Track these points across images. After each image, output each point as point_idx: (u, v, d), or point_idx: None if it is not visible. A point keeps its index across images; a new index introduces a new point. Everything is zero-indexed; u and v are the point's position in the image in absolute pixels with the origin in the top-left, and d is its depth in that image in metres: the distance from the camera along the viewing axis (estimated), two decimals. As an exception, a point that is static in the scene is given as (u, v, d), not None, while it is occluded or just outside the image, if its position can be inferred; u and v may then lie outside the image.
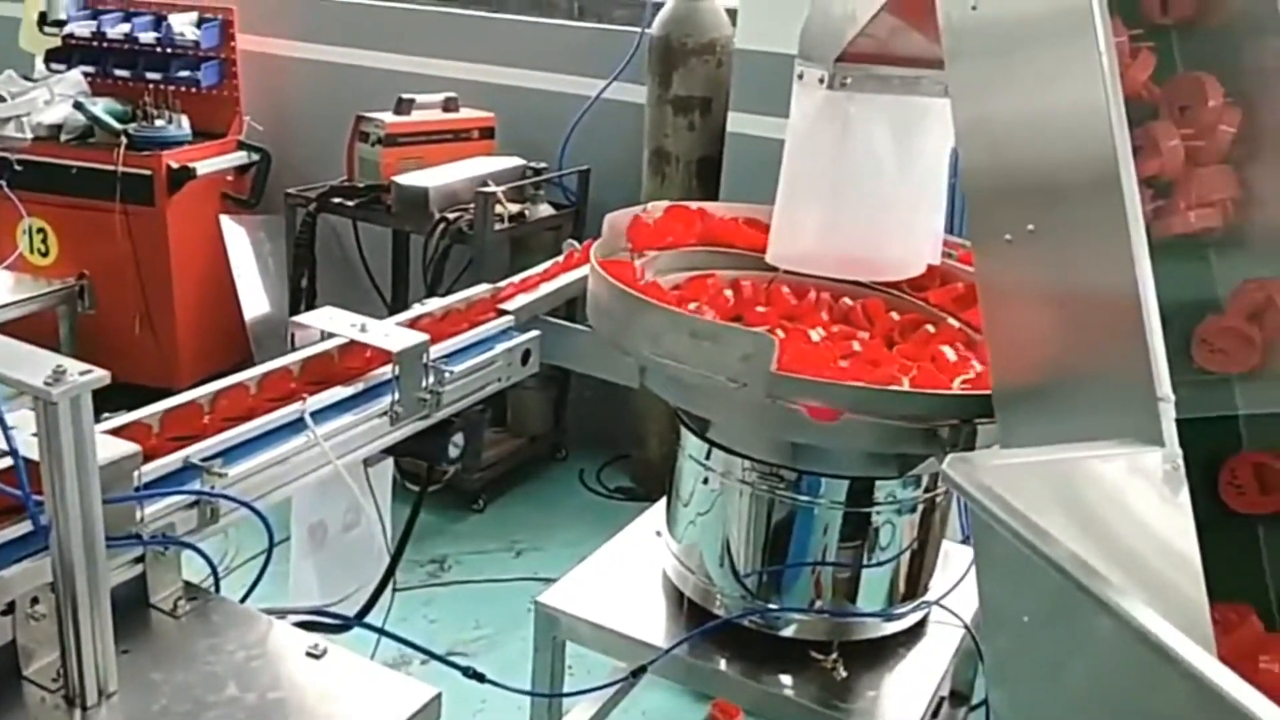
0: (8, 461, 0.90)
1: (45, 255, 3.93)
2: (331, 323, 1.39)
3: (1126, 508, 0.94)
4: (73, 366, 0.83)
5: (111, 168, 3.69)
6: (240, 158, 4.01)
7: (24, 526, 0.91)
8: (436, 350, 1.42)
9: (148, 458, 1.04)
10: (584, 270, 1.74)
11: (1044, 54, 1.15)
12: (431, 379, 1.39)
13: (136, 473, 1.00)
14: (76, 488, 0.85)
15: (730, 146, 3.19)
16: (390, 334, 1.37)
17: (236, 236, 4.00)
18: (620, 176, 3.45)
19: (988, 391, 1.23)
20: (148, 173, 3.71)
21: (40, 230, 3.91)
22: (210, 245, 3.94)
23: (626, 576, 1.86)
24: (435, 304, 1.60)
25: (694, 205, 1.97)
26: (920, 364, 1.56)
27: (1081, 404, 1.08)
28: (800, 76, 1.69)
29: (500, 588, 3.01)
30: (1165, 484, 0.94)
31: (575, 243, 1.94)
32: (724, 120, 3.19)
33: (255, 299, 3.97)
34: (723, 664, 1.67)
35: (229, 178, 4.02)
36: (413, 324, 1.49)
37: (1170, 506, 0.93)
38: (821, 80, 1.64)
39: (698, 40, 3.21)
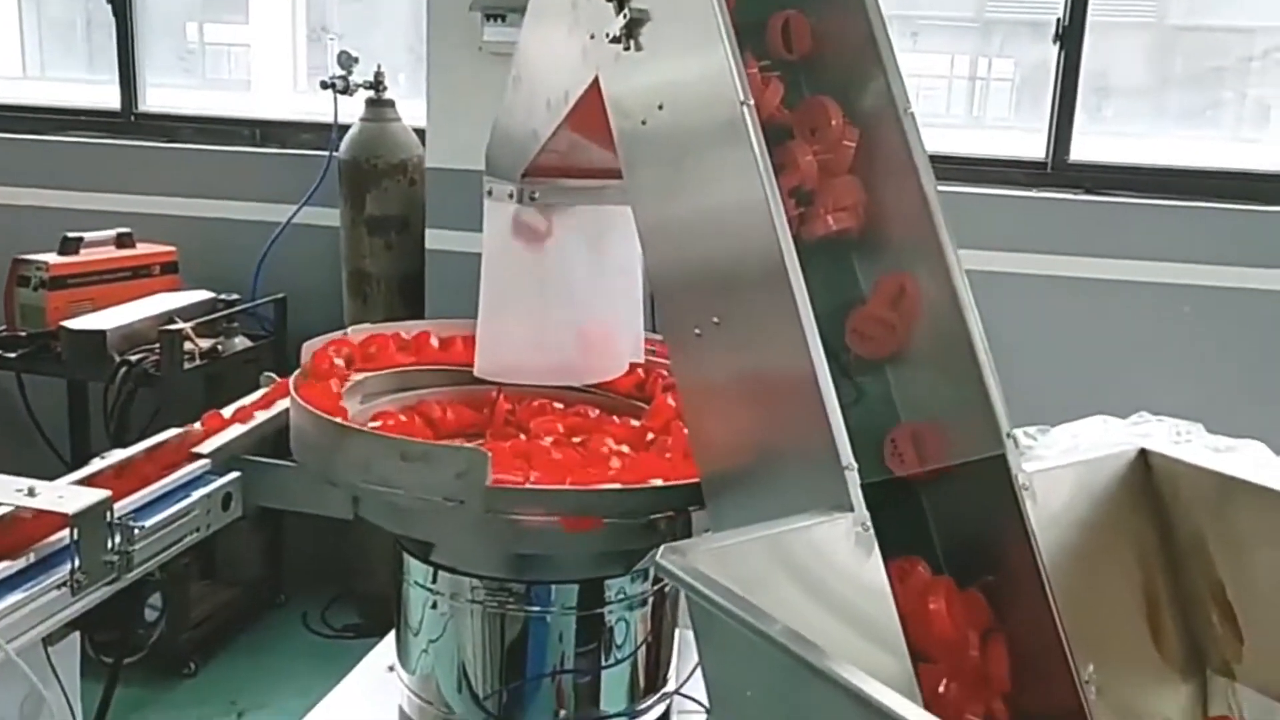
0: None
1: None
2: (-8, 490, 1.24)
3: (826, 572, 1.01)
4: None
5: None
6: None
7: None
8: (122, 506, 1.31)
9: None
10: (284, 405, 1.67)
11: (707, 159, 1.25)
12: (118, 539, 1.26)
13: None
14: None
15: (431, 264, 3.20)
16: (64, 495, 1.24)
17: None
18: (320, 302, 3.36)
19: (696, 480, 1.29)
20: None
21: None
22: None
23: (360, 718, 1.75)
24: (118, 455, 1.47)
25: (395, 327, 1.95)
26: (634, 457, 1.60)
27: (780, 481, 1.15)
28: (489, 193, 1.74)
29: (222, 756, 2.76)
30: (858, 545, 1.02)
31: (274, 375, 1.86)
32: (422, 238, 3.20)
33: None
34: (471, 793, 1.61)
35: None
36: (91, 481, 1.36)
37: (863, 565, 1.01)
38: (510, 195, 1.69)
39: (388, 161, 3.22)
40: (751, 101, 1.19)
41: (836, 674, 0.75)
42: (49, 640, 1.26)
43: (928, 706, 1.06)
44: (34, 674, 1.17)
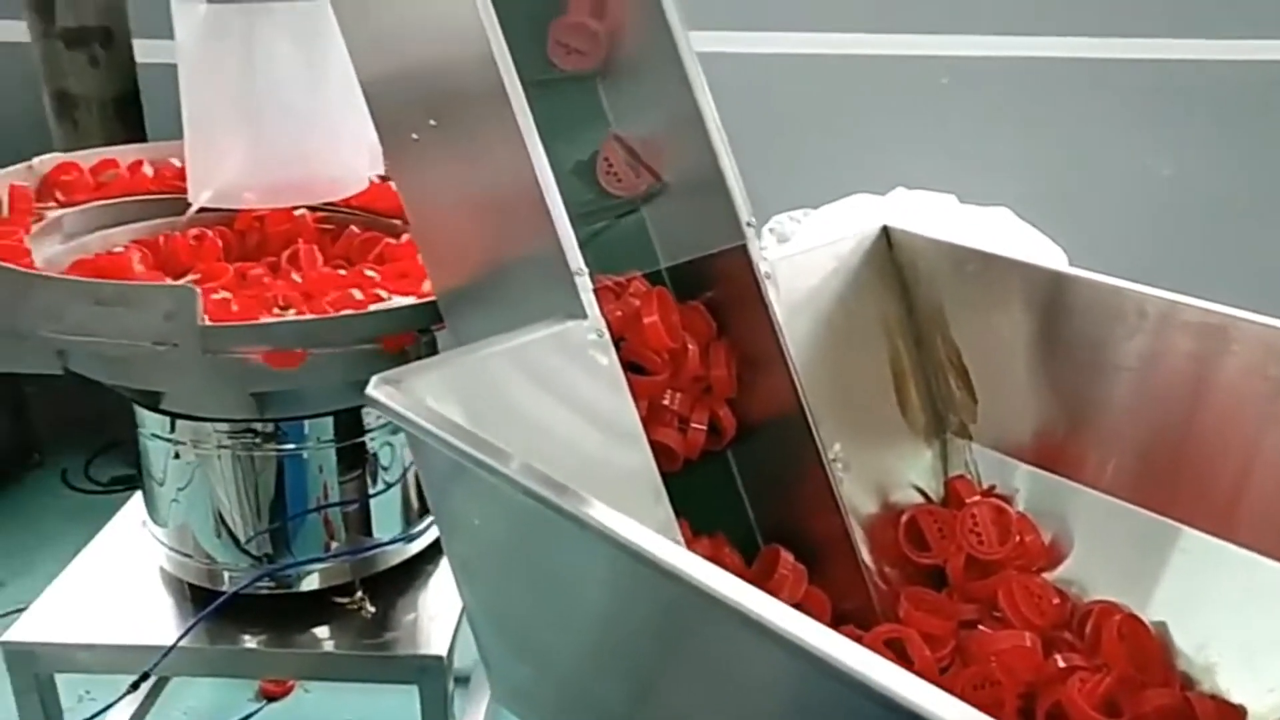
0: None
1: None
2: None
3: (563, 380, 0.97)
4: None
5: None
6: None
7: None
8: None
9: None
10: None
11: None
12: None
13: None
14: None
15: (145, 80, 2.85)
16: None
17: None
18: (25, 130, 2.95)
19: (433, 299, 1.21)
20: None
21: None
22: None
23: (116, 580, 1.65)
24: None
25: (95, 154, 1.73)
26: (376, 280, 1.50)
27: (514, 292, 1.09)
28: (176, -9, 1.52)
29: (-15, 631, 2.58)
30: (593, 350, 0.97)
31: (-47, 220, 1.61)
32: (130, 51, 2.83)
33: None
34: (249, 641, 1.55)
35: None
36: None
37: (600, 369, 0.97)
38: (200, -7, 1.48)
39: (75, -41, 2.79)
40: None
41: (581, 513, 0.71)
42: None
43: (649, 421, 1.06)
44: None
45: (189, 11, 1.50)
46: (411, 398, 0.83)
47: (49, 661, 1.52)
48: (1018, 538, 1.36)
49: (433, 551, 1.73)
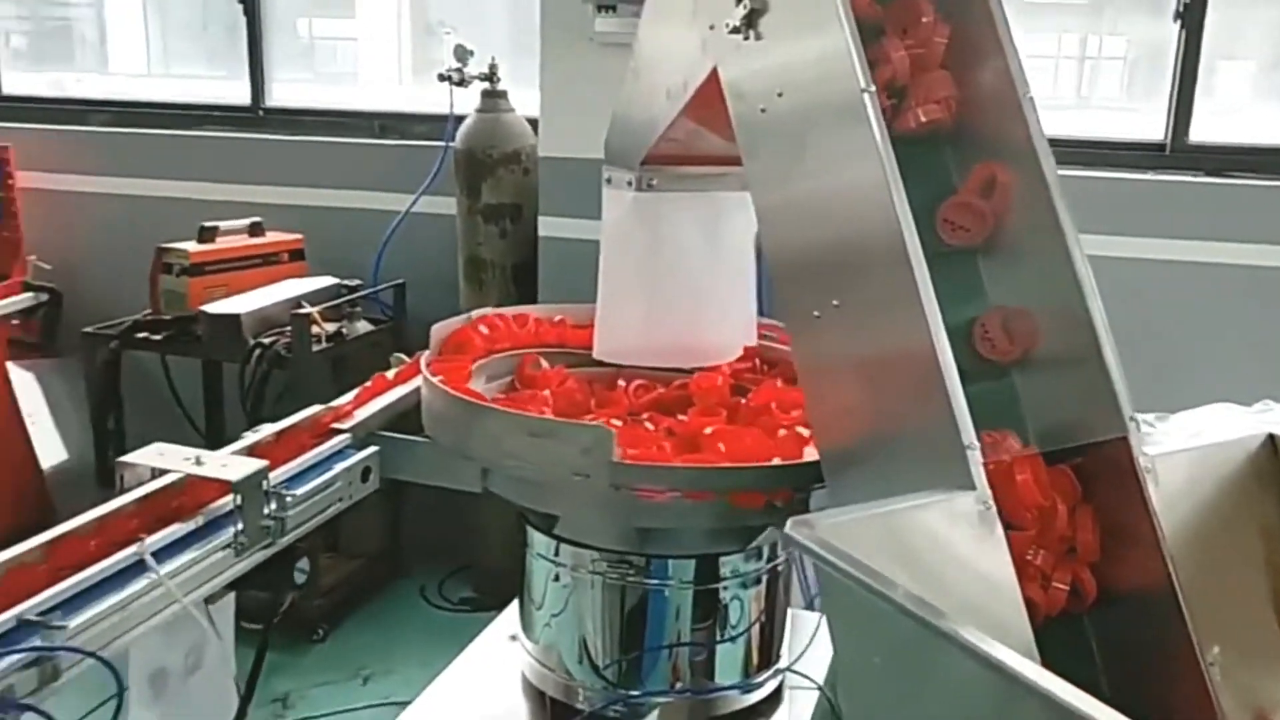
0: None
1: None
2: (163, 459, 1.35)
3: (948, 549, 1.04)
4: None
5: (-120, 321, 3.44)
6: (27, 300, 3.81)
7: None
8: (276, 475, 1.40)
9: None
10: (414, 383, 1.76)
11: (827, 145, 1.29)
12: (274, 505, 1.36)
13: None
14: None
15: (544, 250, 3.28)
16: (227, 464, 1.35)
17: (30, 382, 3.77)
18: (437, 287, 3.48)
19: (816, 459, 1.32)
20: (-74, 324, 3.48)
21: None
22: (-1, 394, 3.71)
23: (484, 685, 1.84)
24: (268, 429, 1.58)
25: (514, 310, 2.03)
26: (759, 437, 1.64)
27: (899, 460, 1.18)
28: (609, 180, 1.80)
29: (351, 718, 2.89)
30: (981, 523, 1.04)
31: (404, 356, 1.95)
32: (535, 225, 3.29)
33: (52, 447, 3.74)
34: (593, 760, 1.67)
35: (15, 322, 3.80)
36: (249, 452, 1.46)
37: (987, 543, 1.03)
38: (629, 183, 1.75)
39: (502, 150, 3.31)
40: (873, 88, 1.22)
41: (960, 635, 0.78)
42: (210, 600, 1.37)
43: (1016, 572, 1.09)
44: (209, 626, 1.26)
45: (619, 198, 1.77)
46: (821, 540, 0.94)
47: (428, 752, 1.71)
48: None
49: (767, 705, 1.79)
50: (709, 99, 1.48)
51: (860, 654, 0.97)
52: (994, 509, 1.05)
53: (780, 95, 1.34)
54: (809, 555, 0.93)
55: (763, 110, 1.37)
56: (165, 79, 4.67)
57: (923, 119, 1.35)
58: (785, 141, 1.34)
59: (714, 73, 1.45)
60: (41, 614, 1.04)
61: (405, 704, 1.78)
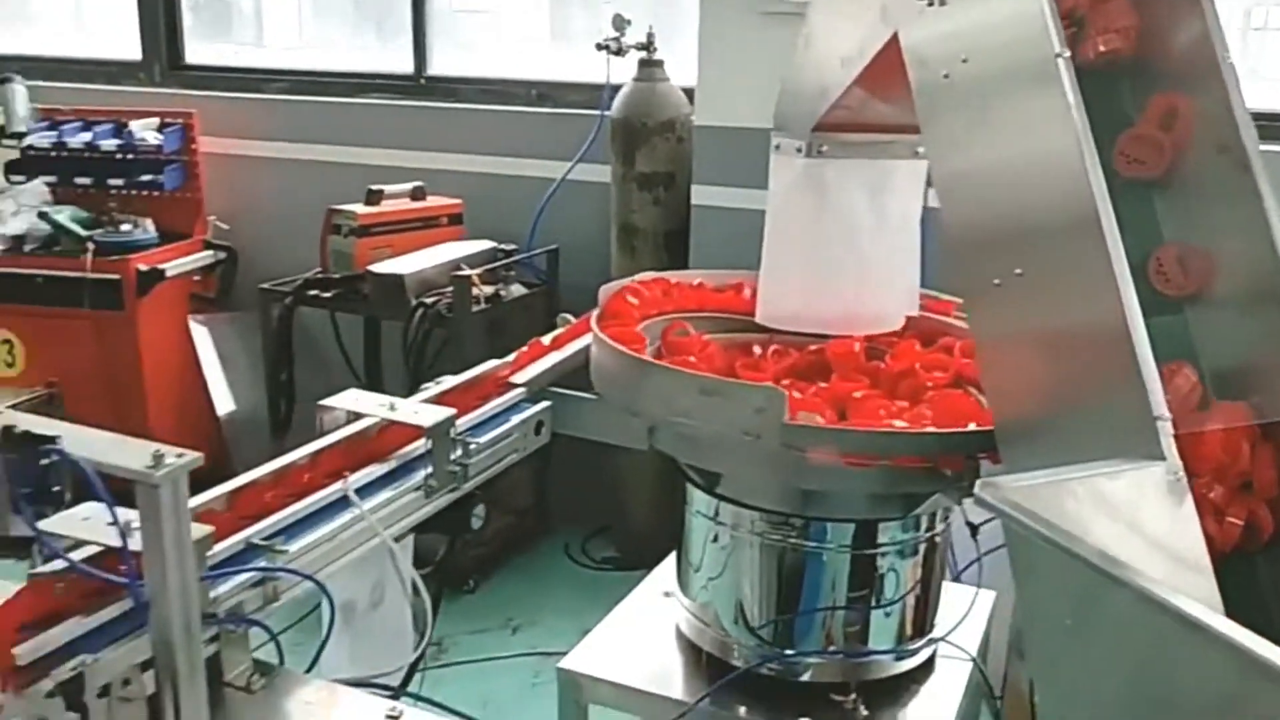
0: (93, 549, 0.94)
1: (11, 366, 3.92)
2: (359, 403, 1.45)
3: (1136, 518, 1.03)
4: (168, 451, 0.89)
5: (78, 275, 3.71)
6: (207, 257, 4.06)
7: (117, 608, 0.94)
8: (460, 424, 1.48)
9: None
10: (582, 341, 1.82)
11: (1015, 107, 1.27)
12: (459, 452, 1.44)
13: (207, 555, 1.04)
14: (177, 566, 0.89)
15: (696, 218, 3.31)
16: (419, 411, 1.43)
17: (205, 336, 4.03)
18: (589, 253, 3.55)
19: (989, 428, 1.32)
20: (116, 277, 3.74)
21: (5, 341, 3.90)
22: (180, 347, 3.97)
23: (641, 636, 1.89)
24: (449, 380, 1.66)
25: (675, 275, 2.07)
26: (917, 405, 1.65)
27: (1081, 430, 1.16)
28: (778, 147, 1.81)
29: (501, 665, 3.02)
30: (1170, 494, 1.03)
31: (570, 316, 2.01)
32: (688, 194, 3.32)
33: (227, 397, 3.99)
34: (743, 712, 1.71)
35: (196, 278, 4.06)
36: (435, 401, 1.55)
37: (1177, 513, 1.02)
38: (799, 150, 1.76)
39: (657, 119, 3.35)
40: (1068, 53, 1.20)
41: (1151, 590, 0.78)
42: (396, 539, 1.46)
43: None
44: (402, 561, 1.35)
45: (788, 164, 1.78)
46: (1011, 500, 0.94)
47: (589, 691, 1.78)
48: None
49: (920, 672, 1.80)
50: (886, 66, 1.48)
51: (1049, 615, 0.98)
52: (1184, 480, 1.03)
53: (965, 61, 1.33)
54: (998, 514, 0.94)
55: (945, 76, 1.36)
56: (316, 49, 4.84)
57: (1101, 48, 1.34)
58: (969, 108, 1.33)
59: (893, 39, 1.45)
60: (266, 538, 1.13)
61: (554, 654, 1.85)
